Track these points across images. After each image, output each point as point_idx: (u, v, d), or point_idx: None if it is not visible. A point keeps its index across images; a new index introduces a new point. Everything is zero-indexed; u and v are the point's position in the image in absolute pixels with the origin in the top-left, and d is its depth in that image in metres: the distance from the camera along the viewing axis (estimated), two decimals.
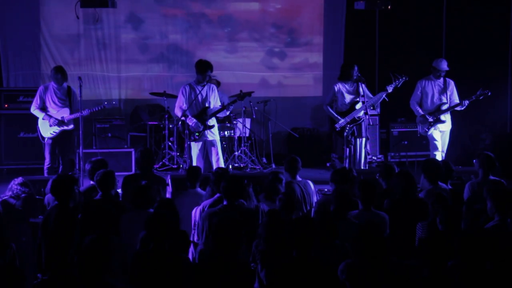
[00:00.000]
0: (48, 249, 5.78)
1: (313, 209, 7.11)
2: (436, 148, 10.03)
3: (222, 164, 9.49)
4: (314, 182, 7.72)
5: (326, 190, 8.08)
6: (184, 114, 9.49)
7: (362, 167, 9.82)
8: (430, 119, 9.92)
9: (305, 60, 12.68)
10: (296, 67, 12.67)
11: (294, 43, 12.63)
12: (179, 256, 5.13)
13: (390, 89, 9.69)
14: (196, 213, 6.57)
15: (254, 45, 12.53)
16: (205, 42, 12.29)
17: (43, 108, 9.55)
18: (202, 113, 9.49)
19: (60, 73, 9.56)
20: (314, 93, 12.68)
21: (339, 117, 9.81)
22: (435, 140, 10.04)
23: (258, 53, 12.55)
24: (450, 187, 7.27)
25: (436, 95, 10.03)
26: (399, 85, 9.74)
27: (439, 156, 9.90)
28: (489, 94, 9.79)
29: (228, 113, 9.86)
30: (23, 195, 7.06)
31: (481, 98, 9.85)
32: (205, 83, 9.50)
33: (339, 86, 9.91)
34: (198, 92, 9.44)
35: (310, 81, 12.75)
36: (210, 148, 9.61)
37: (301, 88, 12.73)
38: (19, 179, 7.22)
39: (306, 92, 12.73)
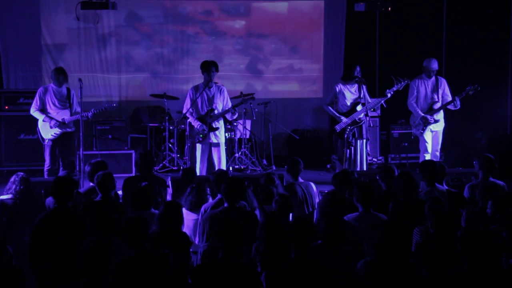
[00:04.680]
0: (47, 252, 5.75)
1: (315, 211, 7.11)
2: (426, 150, 9.98)
3: (223, 167, 9.48)
4: (315, 184, 7.72)
5: (327, 192, 8.06)
6: (184, 116, 9.49)
7: (362, 169, 9.81)
8: (431, 120, 9.86)
9: (305, 62, 12.67)
10: (297, 68, 12.67)
11: (295, 45, 12.62)
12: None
13: (389, 94, 9.66)
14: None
15: (257, 47, 12.54)
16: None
17: (42, 109, 9.53)
18: (207, 115, 9.47)
19: (62, 75, 9.52)
20: (314, 95, 12.67)
21: (340, 116, 9.79)
22: (426, 142, 9.99)
23: (259, 55, 12.56)
24: (446, 187, 7.25)
25: (429, 94, 9.98)
26: (401, 88, 9.72)
27: (428, 157, 9.84)
28: (479, 88, 9.71)
29: (235, 116, 9.82)
30: (19, 187, 7.05)
31: (471, 93, 9.76)
32: (212, 84, 9.49)
33: (340, 87, 9.89)
34: (203, 93, 9.41)
35: (311, 82, 12.74)
36: (214, 151, 9.60)
37: (301, 89, 12.73)
38: (20, 173, 7.23)
39: (306, 93, 12.73)
